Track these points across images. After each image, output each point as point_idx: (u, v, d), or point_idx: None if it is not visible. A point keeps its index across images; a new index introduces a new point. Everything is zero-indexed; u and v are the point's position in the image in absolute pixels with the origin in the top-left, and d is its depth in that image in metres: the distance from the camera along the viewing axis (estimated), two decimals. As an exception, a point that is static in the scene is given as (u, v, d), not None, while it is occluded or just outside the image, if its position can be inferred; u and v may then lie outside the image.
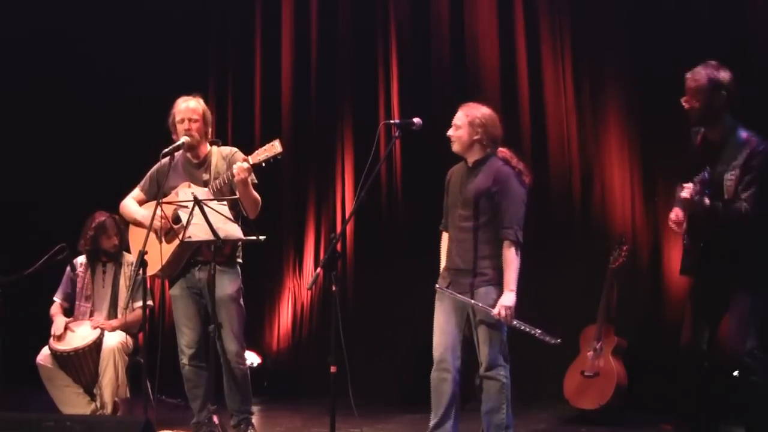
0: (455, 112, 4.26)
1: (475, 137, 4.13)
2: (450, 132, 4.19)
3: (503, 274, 4.04)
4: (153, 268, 4.55)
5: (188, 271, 4.61)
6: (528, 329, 4.01)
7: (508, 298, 3.99)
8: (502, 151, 4.21)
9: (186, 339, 4.63)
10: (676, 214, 4.09)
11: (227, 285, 4.54)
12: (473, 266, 4.09)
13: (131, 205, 4.74)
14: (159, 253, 4.45)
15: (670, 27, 5.76)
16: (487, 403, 4.10)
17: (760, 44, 5.56)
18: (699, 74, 3.96)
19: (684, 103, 4.00)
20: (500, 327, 4.06)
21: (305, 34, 7.07)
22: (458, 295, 4.09)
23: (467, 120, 4.14)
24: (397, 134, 4.18)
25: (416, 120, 4.11)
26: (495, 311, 3.97)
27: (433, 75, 6.63)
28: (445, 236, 4.37)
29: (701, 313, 4.03)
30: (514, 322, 4.01)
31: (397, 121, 4.26)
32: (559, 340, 4.03)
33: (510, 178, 4.10)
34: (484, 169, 4.15)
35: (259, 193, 4.52)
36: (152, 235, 4.46)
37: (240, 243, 4.57)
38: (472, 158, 4.20)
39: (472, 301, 4.05)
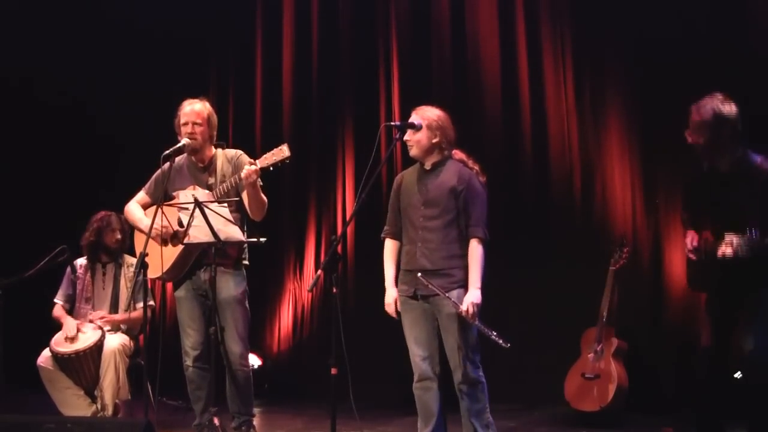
0: (455, 114, 4.25)
1: (434, 140, 4.12)
2: (407, 137, 4.14)
3: (468, 272, 4.01)
4: (155, 272, 4.55)
5: (194, 273, 4.61)
6: (485, 330, 3.98)
7: (475, 295, 3.96)
8: (457, 153, 4.21)
9: (191, 341, 4.63)
10: (691, 239, 4.02)
11: (233, 287, 4.55)
12: (441, 266, 4.06)
13: (135, 211, 4.73)
14: (161, 257, 4.45)
15: (670, 28, 5.76)
16: (472, 407, 4.07)
17: (760, 44, 5.56)
18: (704, 108, 3.86)
19: (687, 137, 3.93)
20: (472, 329, 4.02)
21: (306, 35, 7.09)
22: (438, 288, 4.00)
23: (425, 123, 4.12)
24: (397, 136, 4.17)
25: (417, 122, 4.11)
26: (462, 308, 3.94)
27: (434, 76, 6.63)
28: (389, 243, 4.29)
29: (721, 324, 4.01)
30: (476, 322, 3.97)
31: (397, 123, 4.24)
32: (508, 345, 3.95)
33: (472, 178, 4.11)
34: (443, 170, 4.14)
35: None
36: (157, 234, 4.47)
37: (246, 245, 4.57)
38: (430, 161, 4.17)
39: (448, 296, 3.99)
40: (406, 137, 4.14)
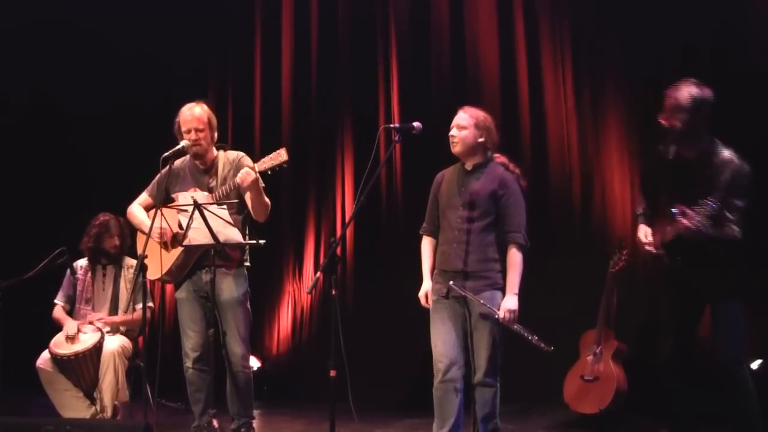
0: (455, 116, 4.25)
1: (480, 140, 4.14)
2: (453, 132, 4.17)
3: (506, 278, 4.04)
4: (156, 273, 4.56)
5: (195, 274, 4.61)
6: (526, 334, 4.01)
7: (512, 301, 4.00)
8: (499, 157, 4.23)
9: (191, 342, 4.62)
10: (645, 233, 4.07)
11: (234, 288, 4.55)
12: (475, 269, 4.07)
13: (138, 213, 4.72)
14: (163, 258, 4.46)
15: (670, 30, 5.77)
16: (483, 410, 4.08)
17: (760, 45, 5.57)
18: (680, 92, 3.86)
19: (661, 120, 3.92)
20: (499, 333, 4.05)
21: (305, 37, 7.09)
22: (470, 293, 4.03)
23: (473, 121, 4.14)
24: (397, 138, 4.17)
25: (416, 124, 4.10)
26: (500, 314, 3.97)
27: (433, 78, 6.64)
28: (426, 240, 4.32)
29: (682, 322, 4.02)
30: (515, 326, 4.01)
31: (397, 125, 4.24)
32: (552, 348, 4.03)
33: (513, 183, 4.13)
34: (485, 171, 4.15)
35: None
36: (156, 240, 4.47)
37: (247, 247, 4.58)
38: (472, 161, 4.19)
39: (484, 303, 4.01)
40: (452, 133, 4.16)
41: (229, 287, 4.53)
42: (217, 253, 4.39)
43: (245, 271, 4.65)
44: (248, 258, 4.68)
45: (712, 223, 3.75)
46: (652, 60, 5.83)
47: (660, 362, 4.13)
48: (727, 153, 3.86)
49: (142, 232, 4.67)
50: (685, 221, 3.78)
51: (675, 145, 3.98)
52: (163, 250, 4.51)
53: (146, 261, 4.42)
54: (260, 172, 4.33)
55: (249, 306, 4.64)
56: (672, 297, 4.08)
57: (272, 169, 4.31)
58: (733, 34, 5.62)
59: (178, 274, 4.61)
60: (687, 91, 3.84)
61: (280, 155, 4.30)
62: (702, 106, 3.83)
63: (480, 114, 4.18)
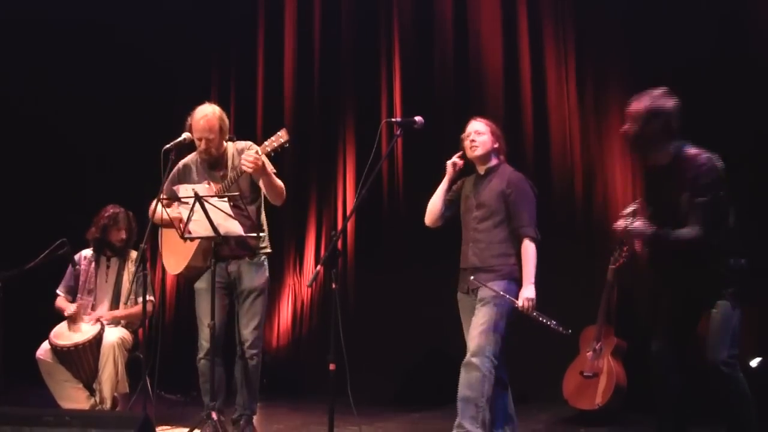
0: (457, 112, 4.31)
1: (495, 145, 4.39)
2: (473, 137, 4.34)
3: (521, 269, 4.22)
4: (176, 269, 4.66)
5: (218, 265, 4.61)
6: (544, 320, 4.18)
7: (530, 290, 4.17)
8: (507, 165, 4.45)
9: (205, 333, 4.63)
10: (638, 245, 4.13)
11: (254, 277, 4.63)
12: (490, 264, 4.26)
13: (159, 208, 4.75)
14: (182, 254, 4.54)
15: (673, 29, 5.76)
16: (464, 391, 4.15)
17: (761, 44, 5.56)
18: (638, 101, 3.92)
19: (623, 129, 3.99)
20: (500, 322, 4.16)
21: (308, 32, 7.08)
22: (480, 282, 4.21)
23: (489, 129, 4.39)
24: (398, 132, 4.19)
25: (418, 118, 4.12)
26: (519, 303, 4.14)
27: (435, 74, 6.63)
28: None
29: (680, 322, 4.01)
30: (534, 313, 4.16)
31: (398, 119, 4.26)
32: (570, 331, 4.23)
33: (522, 181, 4.35)
34: (496, 174, 4.37)
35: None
36: (176, 234, 4.49)
37: (265, 234, 4.67)
38: (485, 166, 4.39)
39: (500, 292, 4.16)
40: (472, 137, 4.36)
41: (250, 276, 4.63)
42: (237, 244, 4.51)
43: (265, 259, 4.71)
44: (268, 244, 4.75)
45: (661, 219, 3.84)
46: (655, 57, 5.81)
47: (649, 359, 4.12)
48: (692, 152, 3.86)
49: (164, 225, 4.68)
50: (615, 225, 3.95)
51: (635, 153, 4.06)
52: (183, 247, 4.54)
53: (166, 257, 4.49)
54: (264, 155, 4.38)
55: (266, 295, 4.69)
56: (671, 296, 4.07)
57: (275, 150, 4.39)
58: (735, 33, 5.60)
59: (203, 265, 4.64)
60: (644, 101, 3.91)
61: (281, 136, 4.39)
62: (655, 116, 3.85)
63: (491, 122, 4.45)
